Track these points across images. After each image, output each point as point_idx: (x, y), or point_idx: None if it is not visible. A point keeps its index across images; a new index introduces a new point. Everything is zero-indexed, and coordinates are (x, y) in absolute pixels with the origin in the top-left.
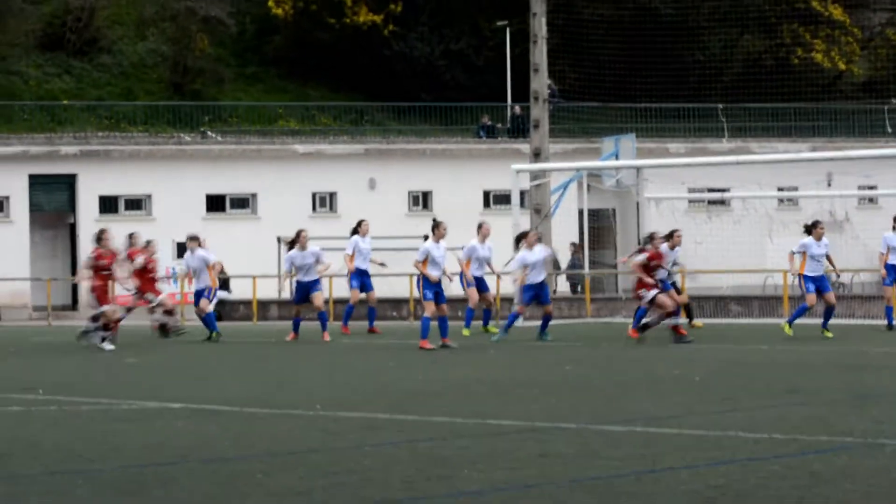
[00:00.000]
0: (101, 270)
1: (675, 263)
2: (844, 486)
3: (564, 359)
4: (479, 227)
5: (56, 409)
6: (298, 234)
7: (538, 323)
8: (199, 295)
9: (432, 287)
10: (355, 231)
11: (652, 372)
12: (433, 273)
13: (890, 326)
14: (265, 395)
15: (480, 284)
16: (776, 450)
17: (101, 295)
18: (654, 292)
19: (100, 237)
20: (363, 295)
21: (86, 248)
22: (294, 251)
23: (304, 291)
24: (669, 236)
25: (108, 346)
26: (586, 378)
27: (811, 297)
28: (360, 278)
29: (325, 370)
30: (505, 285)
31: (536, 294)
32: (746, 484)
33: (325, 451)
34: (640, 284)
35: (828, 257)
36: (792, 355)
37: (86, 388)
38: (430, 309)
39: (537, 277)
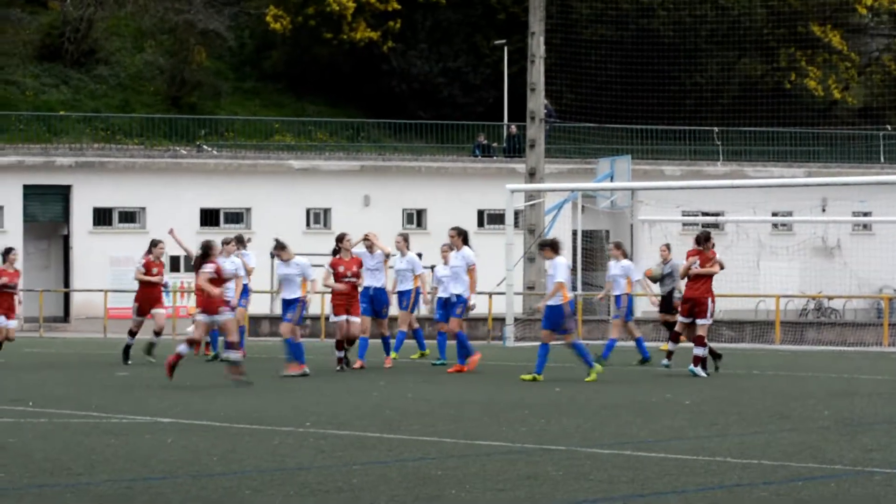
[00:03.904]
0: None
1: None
2: None
3: (554, 380)
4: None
5: (46, 421)
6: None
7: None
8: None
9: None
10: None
11: (642, 395)
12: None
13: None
14: (255, 411)
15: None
16: (765, 476)
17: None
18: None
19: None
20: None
21: (80, 259)
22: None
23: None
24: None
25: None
26: (576, 400)
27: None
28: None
29: (314, 387)
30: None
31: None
32: None
33: (315, 468)
34: None
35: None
36: (783, 381)
37: (76, 401)
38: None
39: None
